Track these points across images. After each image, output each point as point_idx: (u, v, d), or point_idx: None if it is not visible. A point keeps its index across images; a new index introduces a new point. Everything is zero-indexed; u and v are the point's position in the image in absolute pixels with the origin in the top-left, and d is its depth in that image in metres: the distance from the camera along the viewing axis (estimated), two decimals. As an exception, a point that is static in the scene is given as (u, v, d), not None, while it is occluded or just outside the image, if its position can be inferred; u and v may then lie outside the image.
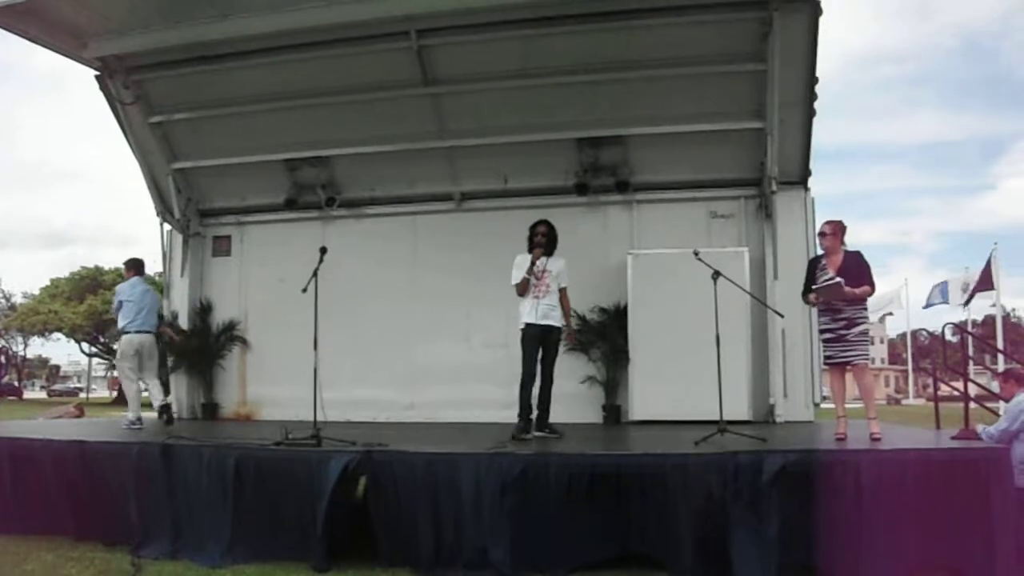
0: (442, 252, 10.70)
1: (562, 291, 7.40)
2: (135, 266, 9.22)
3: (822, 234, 6.79)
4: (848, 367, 6.59)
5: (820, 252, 6.88)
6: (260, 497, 5.96)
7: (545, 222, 7.50)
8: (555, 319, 7.29)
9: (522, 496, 5.48)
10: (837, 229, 6.73)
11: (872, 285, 6.51)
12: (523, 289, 7.24)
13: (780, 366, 9.54)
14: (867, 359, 6.66)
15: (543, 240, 7.34)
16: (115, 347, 9.02)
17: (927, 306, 30.66)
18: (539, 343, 7.23)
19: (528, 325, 7.22)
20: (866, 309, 6.65)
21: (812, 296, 6.68)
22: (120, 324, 8.87)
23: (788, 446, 6.10)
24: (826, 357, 6.71)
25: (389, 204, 11.11)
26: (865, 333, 6.55)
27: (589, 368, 10.04)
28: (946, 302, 28.61)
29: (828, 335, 6.60)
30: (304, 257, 7.53)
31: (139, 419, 8.65)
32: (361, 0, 8.63)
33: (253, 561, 5.79)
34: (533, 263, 7.18)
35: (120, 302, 8.88)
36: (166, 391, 11.54)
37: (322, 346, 6.75)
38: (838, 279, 6.41)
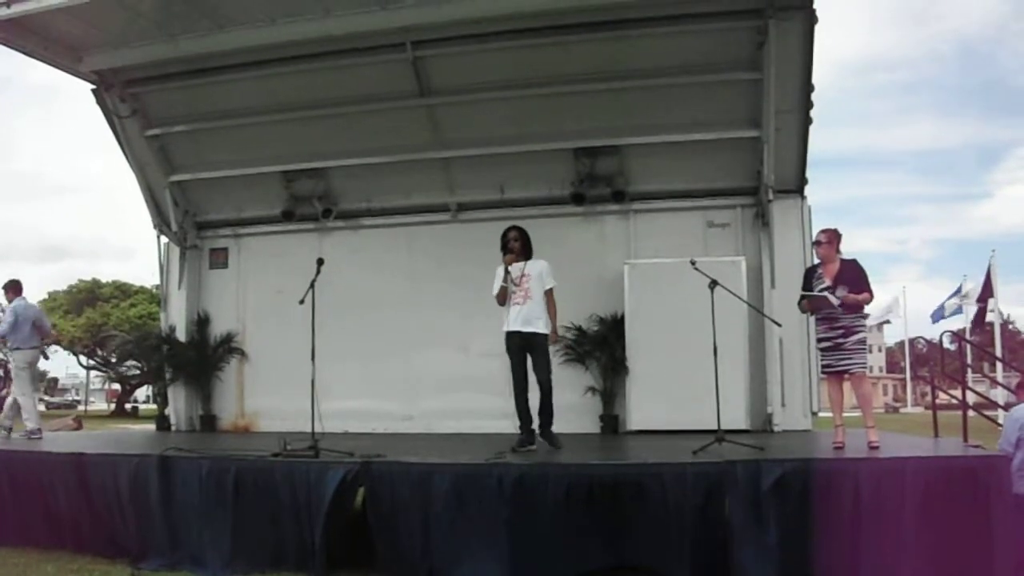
0: (439, 263, 10.70)
1: (548, 293, 7.22)
2: (16, 287, 9.50)
3: (817, 243, 6.78)
4: (846, 376, 6.59)
5: (816, 261, 6.89)
6: (259, 509, 5.95)
7: (514, 227, 7.39)
8: (539, 325, 7.11)
9: (520, 506, 5.47)
10: (832, 237, 6.72)
11: (871, 292, 6.50)
12: (502, 299, 7.15)
13: (778, 375, 9.54)
14: (865, 368, 6.65)
15: (516, 245, 7.26)
16: (10, 363, 9.65)
17: (941, 318, 30.12)
18: (522, 350, 7.13)
19: (507, 334, 7.14)
20: (864, 318, 6.64)
21: (804, 303, 6.69)
22: (14, 343, 9.27)
23: (786, 455, 6.09)
24: (824, 366, 6.71)
25: (385, 215, 11.13)
26: (863, 342, 6.53)
27: (586, 378, 10.03)
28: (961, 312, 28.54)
29: (826, 344, 6.58)
30: (301, 269, 7.53)
31: (39, 429, 9.05)
32: (357, 12, 8.67)
33: (252, 572, 5.80)
34: (506, 270, 7.14)
35: (19, 321, 9.23)
36: (164, 402, 11.64)
37: (320, 357, 6.73)
38: (829, 291, 6.41)
